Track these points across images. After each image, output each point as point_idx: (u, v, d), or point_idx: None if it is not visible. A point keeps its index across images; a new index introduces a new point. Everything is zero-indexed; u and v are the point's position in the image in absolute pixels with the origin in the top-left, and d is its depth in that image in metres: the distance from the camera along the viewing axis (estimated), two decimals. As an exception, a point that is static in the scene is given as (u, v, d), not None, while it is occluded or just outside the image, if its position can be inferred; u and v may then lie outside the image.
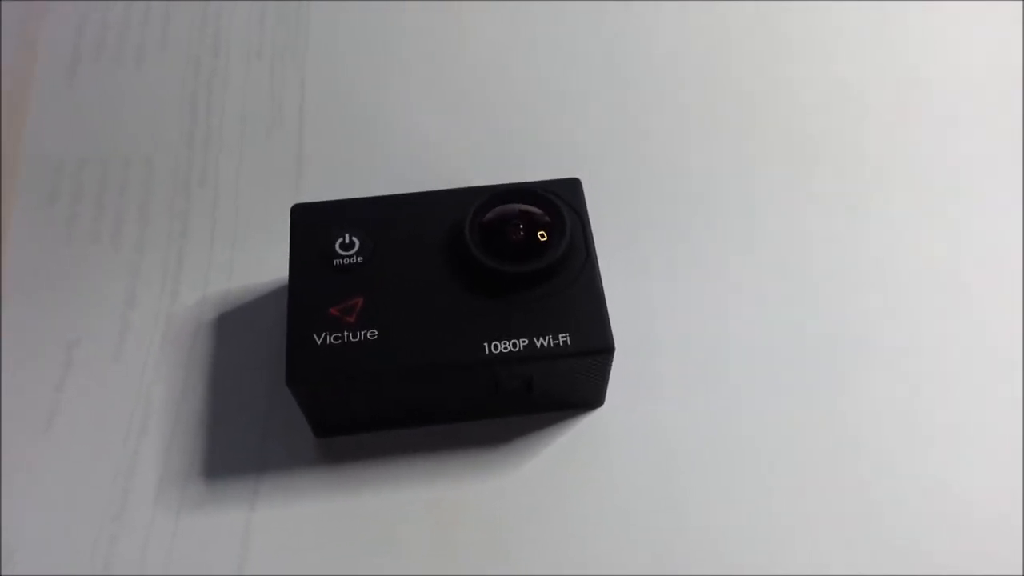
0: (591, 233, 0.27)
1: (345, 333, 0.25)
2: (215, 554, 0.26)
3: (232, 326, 0.30)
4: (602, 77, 0.35)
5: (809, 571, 0.25)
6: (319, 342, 0.25)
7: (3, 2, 0.37)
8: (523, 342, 0.25)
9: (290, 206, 0.28)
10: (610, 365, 0.26)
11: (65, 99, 0.34)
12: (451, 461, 0.27)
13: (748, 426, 0.28)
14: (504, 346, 0.25)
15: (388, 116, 0.34)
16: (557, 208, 0.26)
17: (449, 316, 0.25)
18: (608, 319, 0.25)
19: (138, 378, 0.29)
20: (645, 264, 0.31)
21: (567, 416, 0.28)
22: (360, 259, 0.26)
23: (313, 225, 0.27)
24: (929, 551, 0.26)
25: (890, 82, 0.35)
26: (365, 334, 0.25)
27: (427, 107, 0.34)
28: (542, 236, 0.26)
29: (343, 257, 0.26)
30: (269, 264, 0.30)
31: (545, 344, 0.25)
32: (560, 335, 0.25)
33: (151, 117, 0.34)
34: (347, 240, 0.27)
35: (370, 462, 0.27)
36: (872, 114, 0.35)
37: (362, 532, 0.26)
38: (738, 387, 0.29)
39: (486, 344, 0.25)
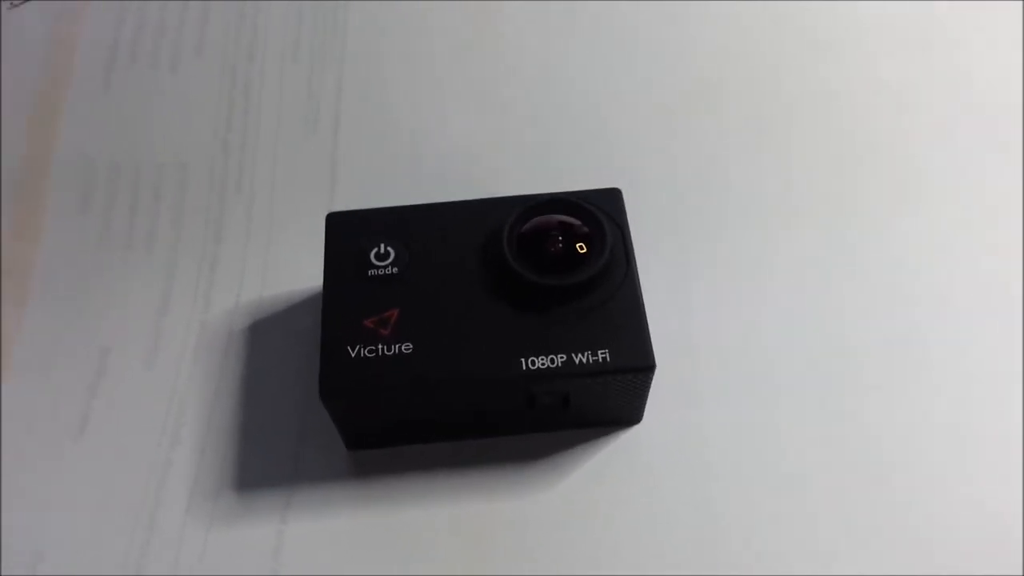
0: (632, 245, 0.26)
1: (380, 346, 0.24)
2: (247, 565, 0.25)
3: (265, 334, 0.29)
4: (641, 85, 0.34)
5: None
6: (353, 355, 0.24)
7: (40, 3, 0.37)
8: (561, 358, 0.24)
9: (325, 213, 0.27)
10: (650, 383, 0.25)
11: (100, 102, 0.34)
12: (484, 476, 0.27)
13: (790, 445, 0.27)
14: (541, 362, 0.24)
15: (425, 123, 0.34)
16: (597, 219, 0.26)
17: (485, 330, 0.25)
18: (649, 336, 0.25)
19: (171, 386, 0.28)
20: (686, 276, 0.30)
21: (603, 433, 0.27)
22: (395, 269, 0.26)
23: (348, 234, 0.27)
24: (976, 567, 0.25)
25: (935, 87, 0.34)
26: (400, 347, 0.24)
27: (465, 114, 0.34)
28: (581, 248, 0.25)
29: (378, 267, 0.26)
30: (303, 271, 0.30)
31: (584, 360, 0.24)
32: (599, 351, 0.24)
33: (186, 121, 0.34)
34: (382, 250, 0.26)
35: (402, 475, 0.27)
36: (915, 120, 0.34)
37: (394, 546, 0.26)
38: (780, 405, 0.28)
39: (523, 359, 0.24)
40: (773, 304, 0.30)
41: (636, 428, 0.27)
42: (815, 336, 0.29)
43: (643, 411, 0.27)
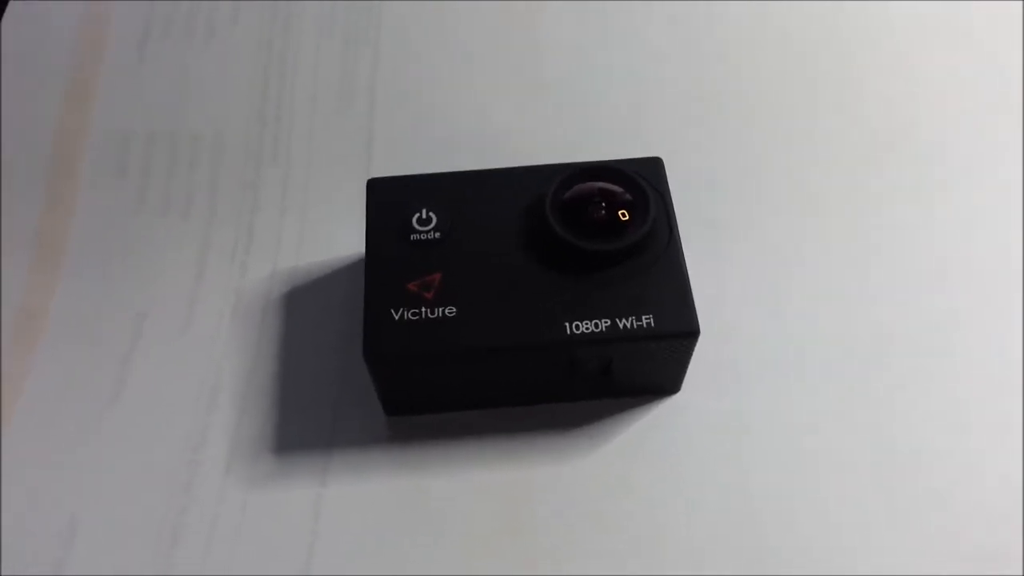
0: (674, 213, 0.26)
1: (423, 309, 0.24)
2: (285, 529, 0.25)
3: (301, 301, 0.29)
4: (682, 56, 0.34)
5: (889, 571, 0.24)
6: (397, 317, 0.24)
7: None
8: (605, 323, 0.24)
9: (361, 182, 0.27)
10: (692, 349, 0.25)
11: (136, 73, 0.34)
12: (520, 444, 0.27)
13: (826, 419, 0.27)
14: (586, 326, 0.24)
15: (461, 92, 0.33)
16: (639, 187, 0.26)
17: (528, 294, 0.25)
18: (693, 301, 0.25)
19: (208, 352, 0.28)
20: (725, 248, 0.30)
21: (642, 402, 0.27)
22: (438, 234, 0.26)
23: (390, 199, 0.26)
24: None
25: (967, 78, 0.34)
26: (443, 311, 0.24)
27: (501, 84, 0.34)
28: (623, 215, 0.25)
29: (420, 232, 0.26)
30: (339, 239, 0.30)
31: (628, 325, 0.24)
32: (644, 316, 0.24)
33: (222, 92, 0.34)
34: (424, 215, 0.26)
35: (440, 442, 0.27)
36: (952, 106, 0.33)
37: (431, 511, 0.26)
38: (817, 379, 0.28)
39: (567, 324, 0.24)
40: (815, 281, 0.29)
41: (674, 398, 0.27)
42: (853, 317, 0.29)
43: (682, 380, 0.27)
